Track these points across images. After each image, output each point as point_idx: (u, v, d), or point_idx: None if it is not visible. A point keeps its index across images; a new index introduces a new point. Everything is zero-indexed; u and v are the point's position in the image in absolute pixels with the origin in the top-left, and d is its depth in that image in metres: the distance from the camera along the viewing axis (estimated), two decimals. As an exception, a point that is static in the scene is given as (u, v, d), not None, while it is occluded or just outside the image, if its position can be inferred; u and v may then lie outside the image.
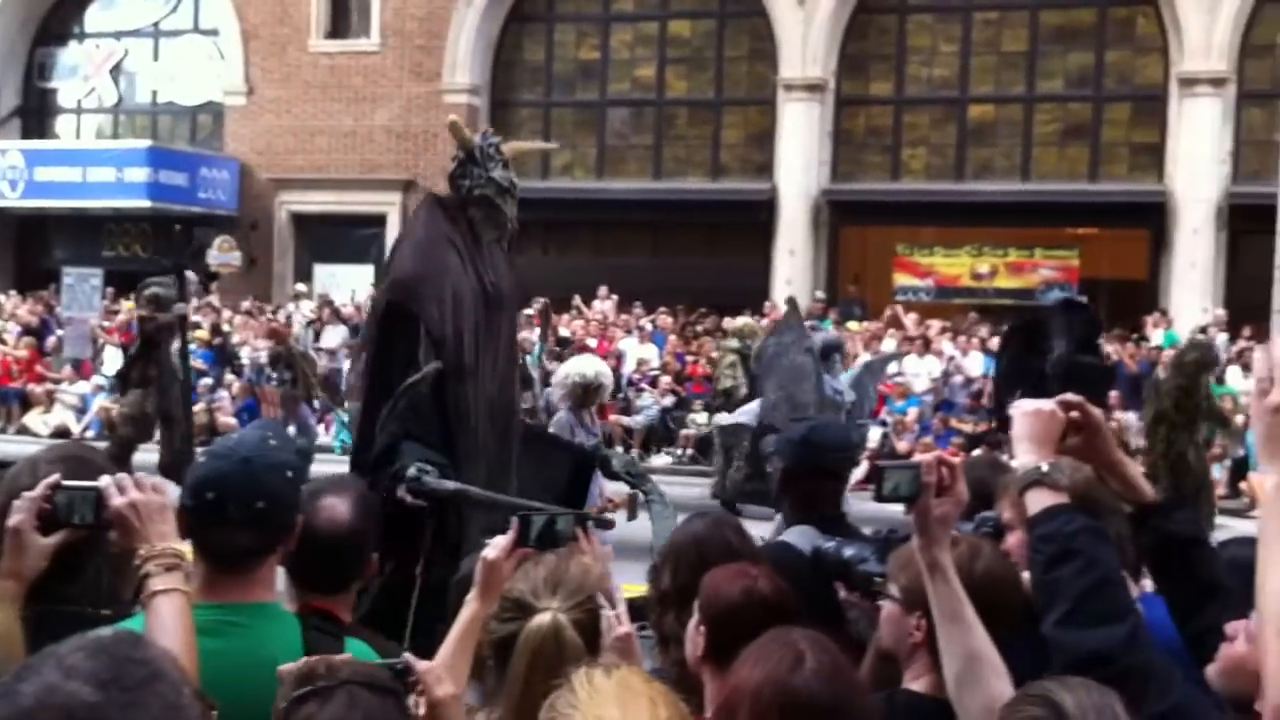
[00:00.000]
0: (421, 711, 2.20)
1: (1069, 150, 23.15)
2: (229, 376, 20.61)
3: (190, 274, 13.18)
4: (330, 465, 15.01)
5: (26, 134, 27.97)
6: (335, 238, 25.71)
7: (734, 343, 16.47)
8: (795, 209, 23.42)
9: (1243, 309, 19.21)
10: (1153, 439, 12.49)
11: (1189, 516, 2.67)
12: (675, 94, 24.88)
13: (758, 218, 23.56)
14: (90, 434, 19.91)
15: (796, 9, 23.14)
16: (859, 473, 6.07)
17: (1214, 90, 21.61)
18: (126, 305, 22.99)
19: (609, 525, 5.42)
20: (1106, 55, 22.87)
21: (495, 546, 2.82)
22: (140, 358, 12.77)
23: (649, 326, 21.16)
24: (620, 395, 18.75)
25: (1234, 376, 17.38)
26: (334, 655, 2.35)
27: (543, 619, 2.49)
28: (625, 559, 3.45)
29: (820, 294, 22.49)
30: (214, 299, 23.13)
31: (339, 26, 25.79)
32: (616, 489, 7.05)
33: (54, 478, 2.53)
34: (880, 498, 2.59)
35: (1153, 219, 22.18)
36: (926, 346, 19.47)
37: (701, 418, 19.06)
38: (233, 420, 18.32)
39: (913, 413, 18.53)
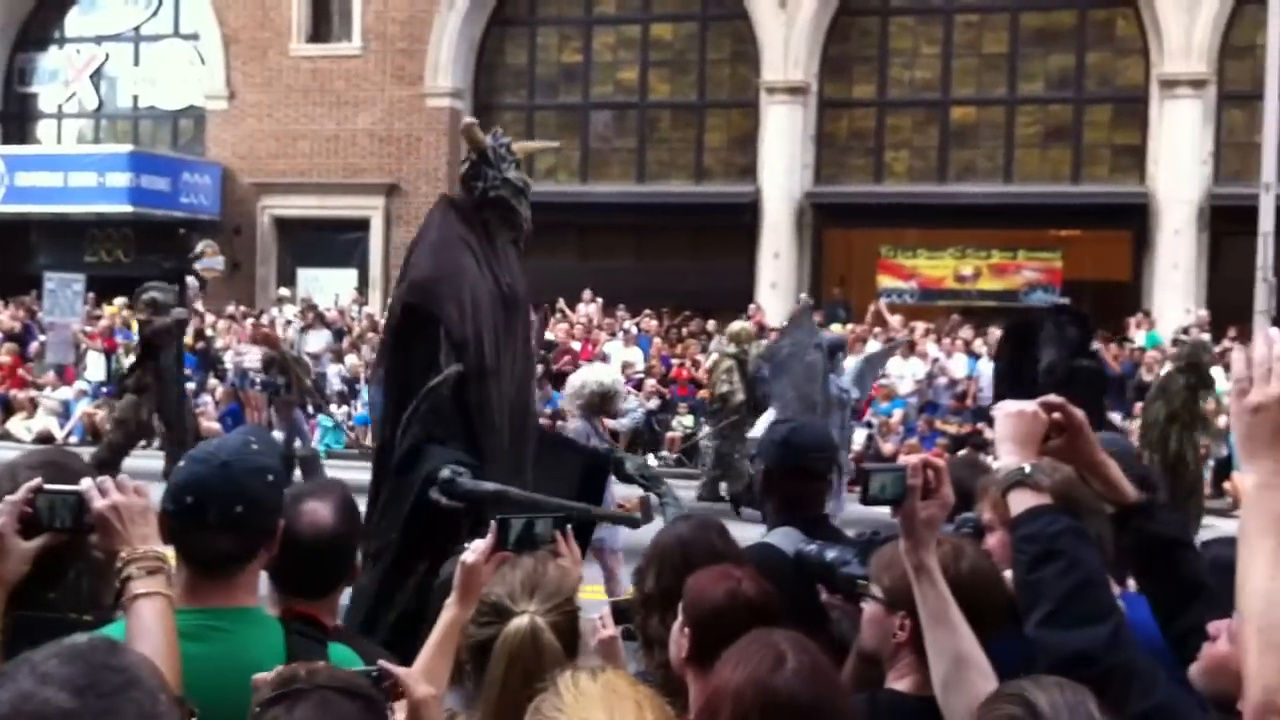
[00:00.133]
0: (401, 716, 2.19)
1: (1051, 152, 23.22)
2: (212, 381, 20.56)
3: (190, 279, 13.13)
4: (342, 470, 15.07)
5: (7, 139, 27.87)
6: (318, 242, 25.66)
7: (731, 348, 16.39)
8: (779, 212, 23.45)
9: (1225, 310, 19.30)
10: (1161, 439, 12.52)
11: (1171, 517, 2.68)
12: (658, 97, 24.89)
13: (742, 220, 23.58)
14: (74, 440, 19.83)
15: (778, 12, 23.17)
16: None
17: (1194, 92, 21.70)
18: (109, 310, 22.96)
19: (635, 523, 5.41)
20: (1087, 57, 22.95)
21: (473, 550, 2.82)
22: (141, 363, 12.73)
23: (634, 330, 21.14)
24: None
25: (1217, 377, 17.43)
26: (314, 661, 2.34)
27: (520, 622, 2.49)
28: (637, 562, 3.45)
29: (805, 296, 22.48)
30: (198, 304, 23.06)
31: (320, 30, 25.74)
32: (626, 493, 7.04)
33: (35, 482, 2.52)
34: (866, 500, 2.60)
35: (1135, 220, 22.27)
36: (911, 349, 19.51)
37: (688, 420, 19.06)
38: (216, 425, 18.26)
39: (897, 414, 18.56)
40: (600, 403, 8.76)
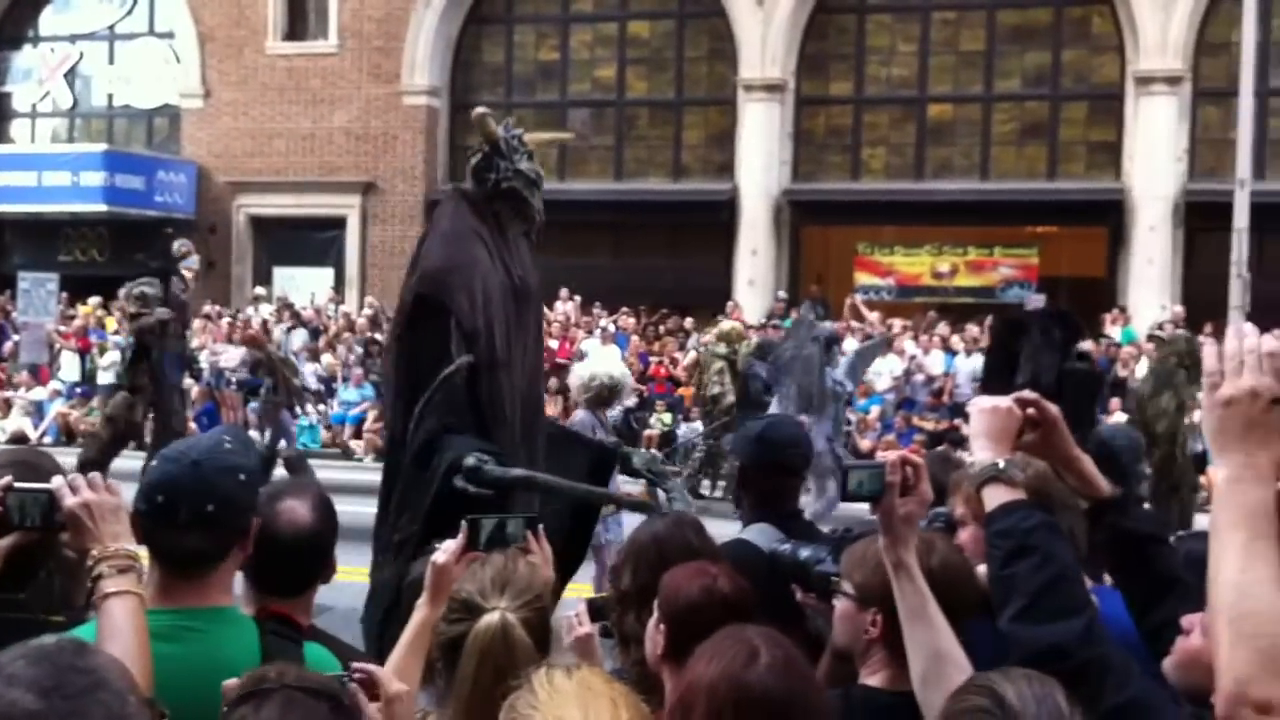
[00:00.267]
0: (374, 713, 2.18)
1: (1027, 149, 23.31)
2: (188, 381, 20.45)
3: (176, 279, 13.06)
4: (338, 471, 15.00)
5: (-19, 138, 27.72)
6: (294, 240, 25.57)
7: (721, 348, 16.35)
8: (756, 209, 23.49)
9: (1200, 305, 19.39)
10: (1170, 430, 12.63)
11: (1145, 511, 2.69)
12: (636, 95, 24.88)
13: (719, 218, 23.60)
14: (48, 440, 19.73)
15: (755, 9, 23.19)
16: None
17: (1170, 89, 21.81)
18: (83, 310, 22.84)
19: (652, 510, 5.37)
20: (1063, 54, 23.04)
21: (444, 550, 2.81)
22: (137, 361, 12.65)
23: (611, 327, 21.14)
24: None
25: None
26: (290, 660, 2.33)
27: (491, 619, 2.48)
28: None
29: (782, 294, 22.55)
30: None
31: (296, 28, 25.65)
32: (629, 488, 7.02)
33: (4, 480, 2.51)
34: (845, 496, 2.61)
35: (1110, 217, 22.37)
36: (889, 346, 19.55)
37: (666, 418, 19.07)
38: (192, 425, 18.18)
39: (875, 411, 18.61)
40: (609, 395, 8.76)
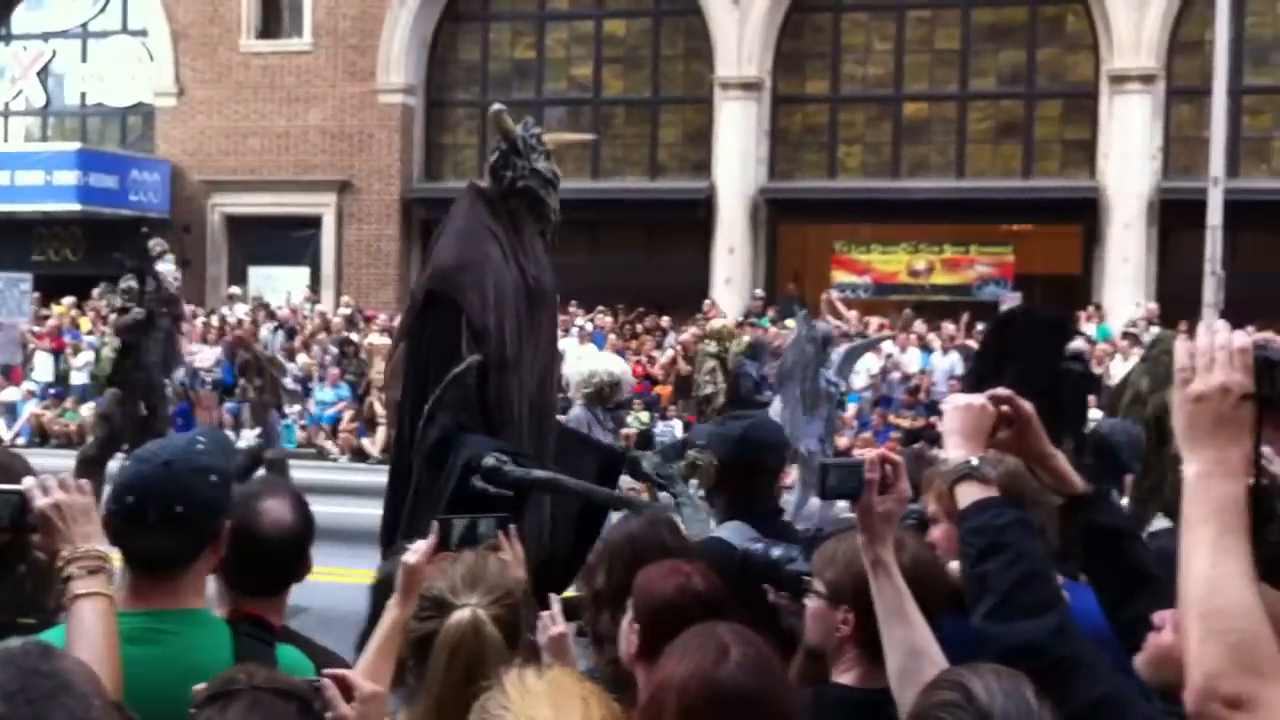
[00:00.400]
0: (348, 711, 2.17)
1: (1002, 147, 23.39)
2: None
3: (163, 274, 12.95)
4: (318, 471, 14.93)
5: (-47, 138, 27.53)
6: (270, 239, 25.46)
7: (712, 347, 16.28)
8: (733, 207, 23.51)
9: (1174, 303, 19.49)
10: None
11: (1119, 508, 2.70)
12: (612, 93, 24.87)
13: (696, 216, 23.61)
14: (21, 441, 19.61)
15: (731, 8, 23.22)
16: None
17: (1144, 87, 21.92)
18: (57, 310, 22.70)
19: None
20: (1038, 53, 23.13)
21: (415, 551, 2.80)
22: (122, 360, 12.57)
23: (588, 326, 21.12)
24: (560, 395, 18.68)
25: (1166, 369, 17.62)
26: (263, 662, 2.32)
27: (462, 615, 2.48)
28: None
29: (760, 292, 22.58)
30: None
31: (270, 26, 25.55)
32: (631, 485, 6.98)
33: (-25, 482, 2.49)
34: (824, 494, 2.61)
35: (1085, 214, 22.48)
36: (877, 345, 19.56)
37: (644, 416, 19.06)
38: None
39: (851, 409, 18.63)
40: (609, 393, 8.74)
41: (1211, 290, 17.99)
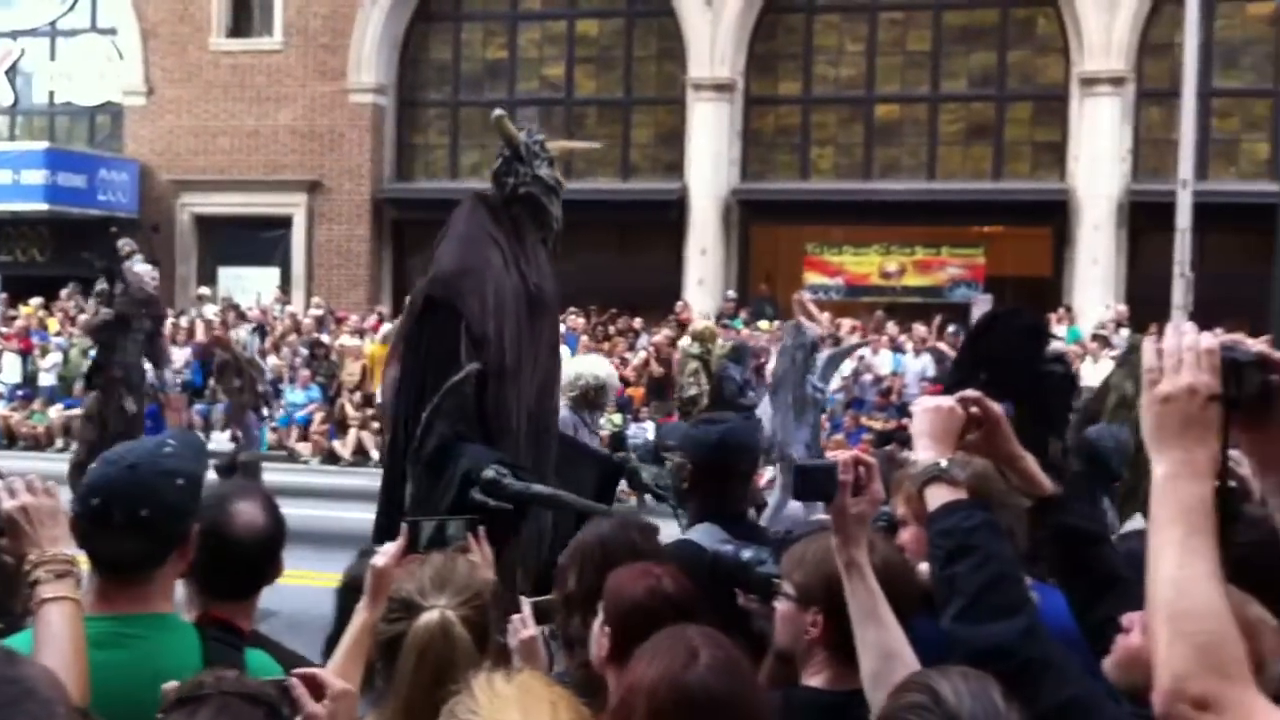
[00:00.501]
0: (319, 710, 2.16)
1: (973, 149, 23.48)
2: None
3: (141, 272, 12.85)
4: (296, 474, 14.85)
5: (-80, 136, 27.26)
6: (239, 240, 25.32)
7: (695, 348, 16.25)
8: (705, 208, 23.52)
9: (1144, 304, 19.60)
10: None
11: (1088, 510, 2.71)
12: (584, 93, 24.85)
13: (668, 217, 23.61)
14: (-12, 443, 19.45)
15: (704, 9, 23.23)
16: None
17: (1113, 89, 22.04)
18: (25, 310, 22.52)
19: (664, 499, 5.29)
20: (1009, 55, 23.23)
21: (384, 554, 2.79)
22: (100, 360, 12.48)
23: (560, 328, 21.07)
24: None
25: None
26: (231, 667, 2.30)
27: (431, 616, 2.47)
28: None
29: (732, 293, 22.61)
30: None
31: (241, 25, 25.42)
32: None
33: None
34: (797, 495, 2.61)
35: (1055, 216, 22.58)
36: (836, 345, 19.60)
37: (616, 418, 19.03)
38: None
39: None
40: (595, 396, 8.71)
41: (1181, 292, 18.12)
